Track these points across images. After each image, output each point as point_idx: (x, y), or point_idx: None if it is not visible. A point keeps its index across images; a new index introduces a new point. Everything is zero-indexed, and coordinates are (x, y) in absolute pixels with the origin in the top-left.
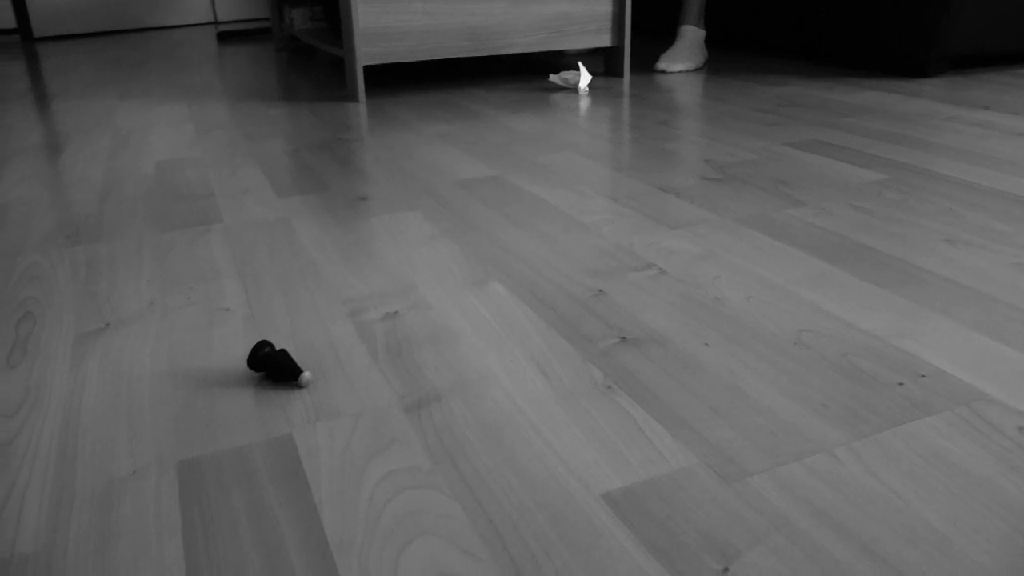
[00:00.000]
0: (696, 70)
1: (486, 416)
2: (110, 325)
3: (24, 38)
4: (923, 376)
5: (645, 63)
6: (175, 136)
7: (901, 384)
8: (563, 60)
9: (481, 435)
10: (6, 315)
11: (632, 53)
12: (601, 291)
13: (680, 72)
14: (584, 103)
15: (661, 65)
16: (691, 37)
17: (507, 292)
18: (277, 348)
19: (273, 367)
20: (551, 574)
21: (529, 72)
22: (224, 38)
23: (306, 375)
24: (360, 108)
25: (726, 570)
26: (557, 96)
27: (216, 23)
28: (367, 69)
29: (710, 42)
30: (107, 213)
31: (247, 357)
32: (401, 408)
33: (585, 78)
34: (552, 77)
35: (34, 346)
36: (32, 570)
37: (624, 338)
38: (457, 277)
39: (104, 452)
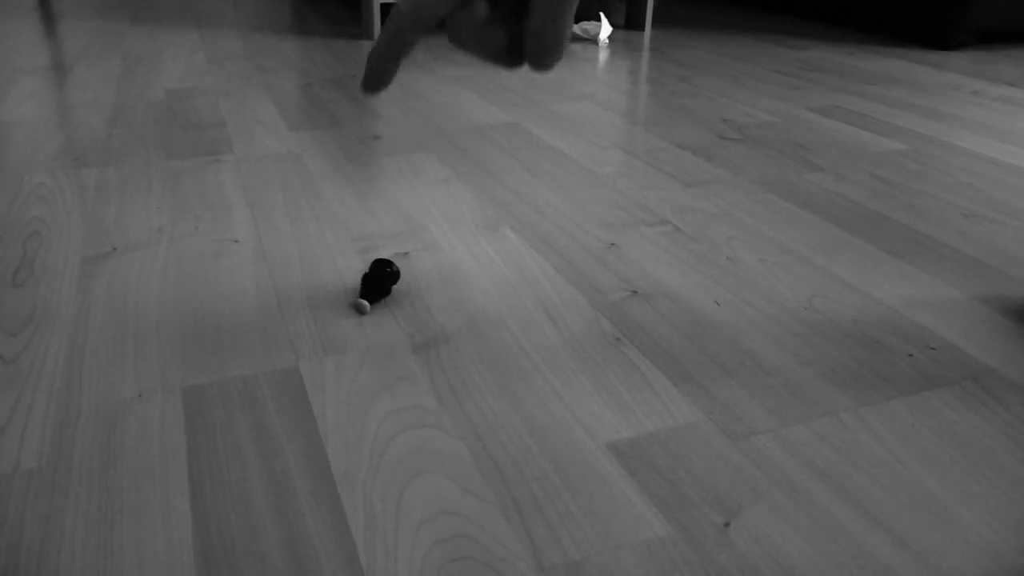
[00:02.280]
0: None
1: (494, 359)
2: (117, 249)
3: None
4: (933, 348)
5: (667, 18)
6: (186, 64)
7: (911, 355)
8: (584, 11)
9: (488, 378)
10: (13, 234)
11: (654, 7)
12: (613, 244)
13: None
14: (603, 55)
15: None
16: None
17: (519, 239)
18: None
19: (377, 287)
20: (553, 517)
21: None
22: None
23: (365, 304)
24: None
25: (727, 524)
26: (577, 47)
27: None
28: (383, 7)
29: (734, 2)
30: (116, 137)
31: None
32: (409, 347)
33: (606, 29)
34: (572, 27)
35: (40, 266)
36: (35, 486)
37: (635, 292)
38: (469, 221)
39: (109, 374)
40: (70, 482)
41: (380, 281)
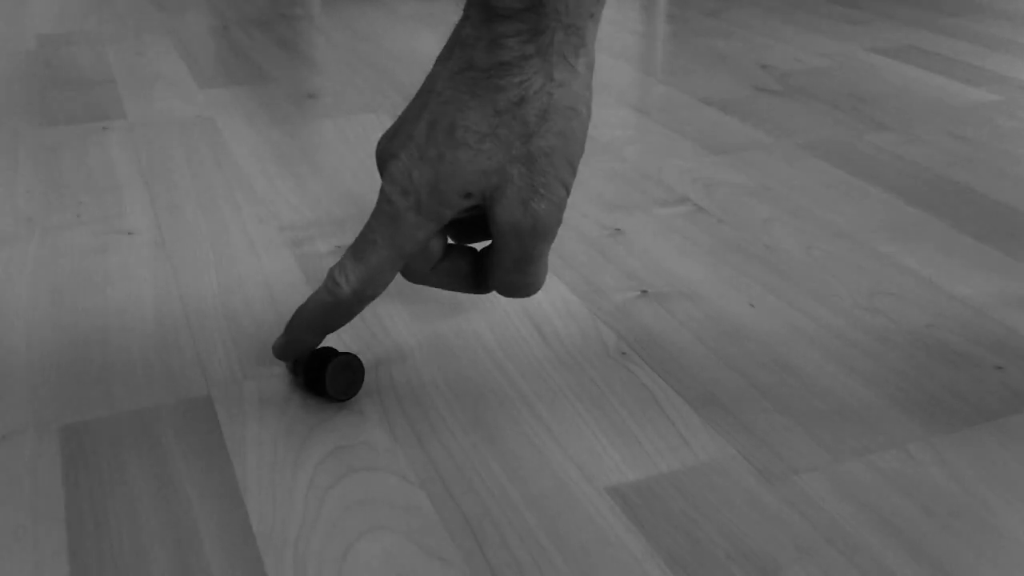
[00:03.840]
0: None
1: (464, 383)
2: None
3: None
4: None
5: None
6: (62, 1)
7: (999, 368)
8: None
9: (456, 407)
10: None
11: None
12: (618, 230)
13: None
14: None
15: None
16: None
17: None
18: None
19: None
20: None
21: None
22: None
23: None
24: None
25: None
26: None
27: None
28: None
29: None
30: None
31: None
32: None
33: None
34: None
35: None
36: None
37: (645, 291)
38: None
39: None
40: None
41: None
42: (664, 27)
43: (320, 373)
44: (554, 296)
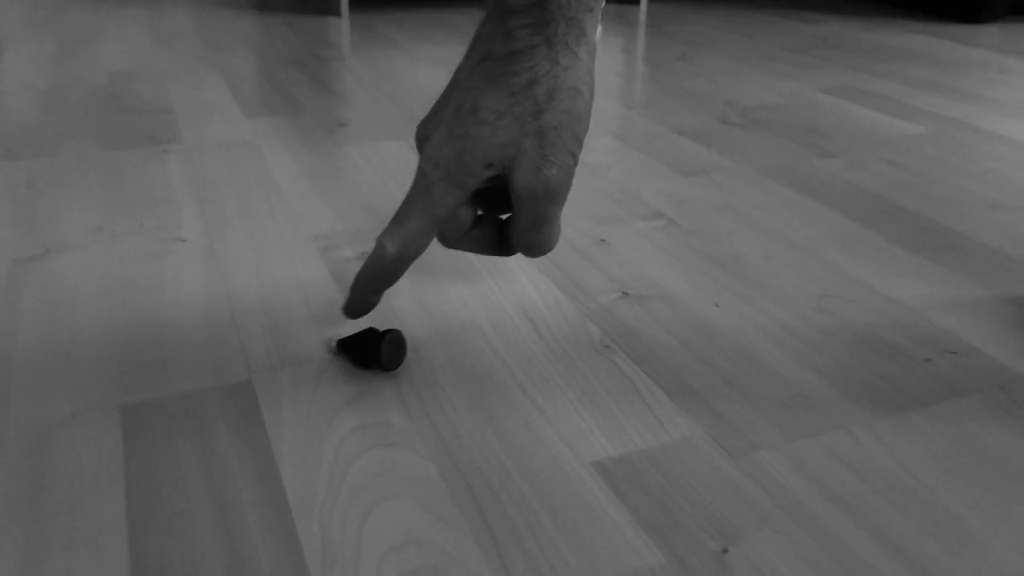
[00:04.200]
0: None
1: (468, 370)
2: (50, 251)
3: None
4: (954, 353)
5: None
6: (130, 43)
7: (929, 360)
8: None
9: (461, 391)
10: None
11: None
12: (603, 240)
13: None
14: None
15: None
16: None
17: None
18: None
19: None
20: (532, 546)
21: None
22: None
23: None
24: (342, 24)
25: (725, 551)
26: None
27: None
28: None
29: None
30: (51, 125)
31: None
32: None
33: None
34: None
35: None
36: None
37: (626, 293)
38: None
39: (40, 392)
40: None
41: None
42: (642, 69)
43: (375, 347)
44: (547, 296)
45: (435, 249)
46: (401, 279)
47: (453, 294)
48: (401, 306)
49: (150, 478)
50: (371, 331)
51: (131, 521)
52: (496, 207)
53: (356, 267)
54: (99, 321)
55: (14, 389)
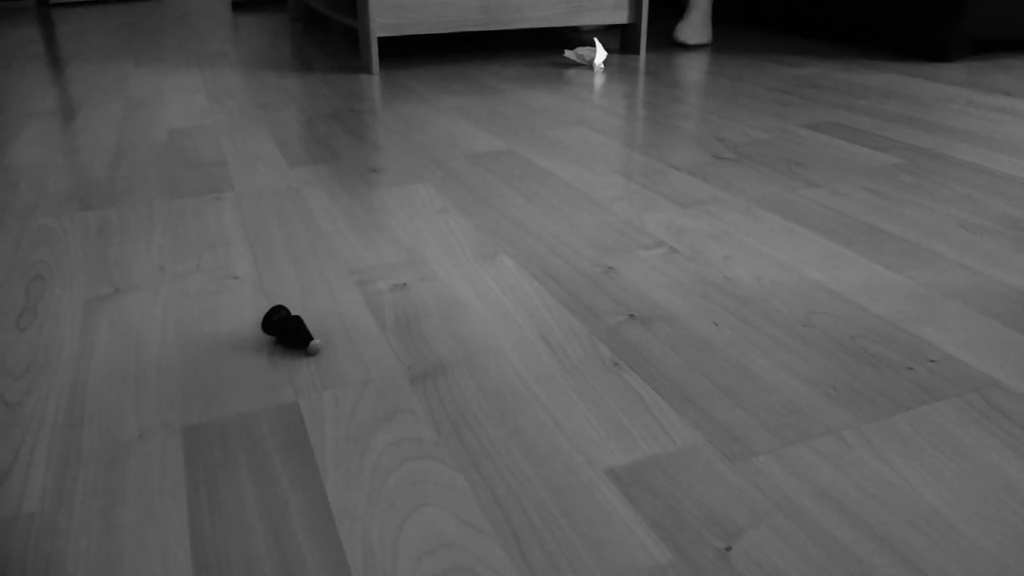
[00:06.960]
0: (709, 44)
1: (492, 389)
2: (120, 290)
3: (39, 3)
4: (933, 361)
5: (661, 40)
6: (188, 104)
7: (911, 368)
8: (579, 36)
9: (486, 407)
10: (17, 277)
11: (648, 29)
12: (611, 268)
13: (699, 45)
14: (599, 79)
15: (681, 38)
16: (704, 7)
17: (516, 266)
18: (292, 314)
19: (285, 332)
20: (552, 547)
21: (544, 47)
22: (239, 7)
23: (316, 343)
24: (374, 80)
25: (728, 548)
26: (572, 72)
27: None
28: (382, 41)
29: (731, 20)
30: (119, 179)
31: (261, 320)
32: (407, 379)
33: (600, 54)
34: (567, 53)
35: (44, 309)
36: (37, 529)
37: (632, 315)
38: (466, 250)
39: (111, 415)
40: (71, 526)
41: (292, 323)
42: (642, 112)
43: (301, 330)
44: (561, 320)
45: (460, 280)
46: (432, 310)
47: (477, 321)
48: (431, 333)
49: (209, 491)
50: (285, 311)
51: (193, 528)
52: None
53: (390, 298)
54: (162, 351)
55: (88, 414)
